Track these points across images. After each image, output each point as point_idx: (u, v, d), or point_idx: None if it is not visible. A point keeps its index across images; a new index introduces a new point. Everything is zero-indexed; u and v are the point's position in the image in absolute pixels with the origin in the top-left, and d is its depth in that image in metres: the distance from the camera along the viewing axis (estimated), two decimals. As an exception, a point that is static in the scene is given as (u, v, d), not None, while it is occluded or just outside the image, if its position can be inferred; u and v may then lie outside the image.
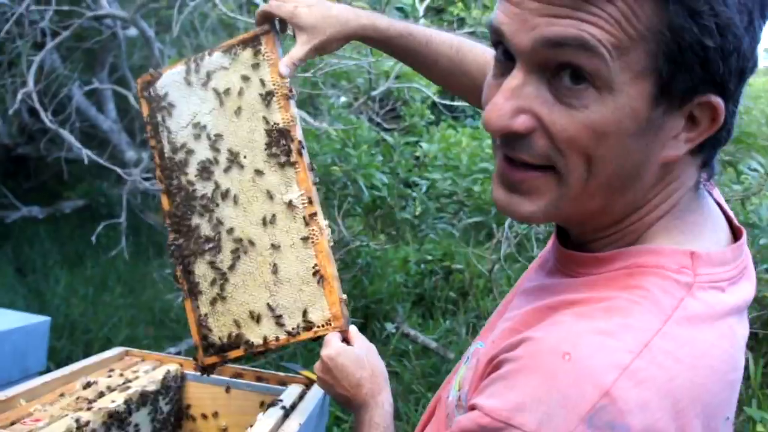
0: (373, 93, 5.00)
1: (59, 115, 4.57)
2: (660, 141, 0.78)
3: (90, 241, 4.17)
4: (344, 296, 1.39)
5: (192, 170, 1.49)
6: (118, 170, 3.74)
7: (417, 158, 4.89)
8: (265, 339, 1.42)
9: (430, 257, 4.80)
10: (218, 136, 1.45)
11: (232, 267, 1.44)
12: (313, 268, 1.37)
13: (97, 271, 5.76)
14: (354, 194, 3.99)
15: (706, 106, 0.76)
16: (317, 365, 1.33)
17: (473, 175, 4.60)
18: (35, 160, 7.10)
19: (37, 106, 3.37)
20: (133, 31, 4.96)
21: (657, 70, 0.73)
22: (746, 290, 0.87)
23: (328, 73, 5.14)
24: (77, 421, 1.38)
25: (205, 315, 1.47)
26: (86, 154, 3.40)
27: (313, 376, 1.79)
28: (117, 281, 5.58)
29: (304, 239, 1.38)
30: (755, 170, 2.98)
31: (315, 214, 1.38)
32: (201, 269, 1.48)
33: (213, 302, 1.46)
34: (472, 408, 0.78)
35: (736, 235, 0.91)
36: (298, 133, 1.40)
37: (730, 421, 0.82)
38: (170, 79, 1.51)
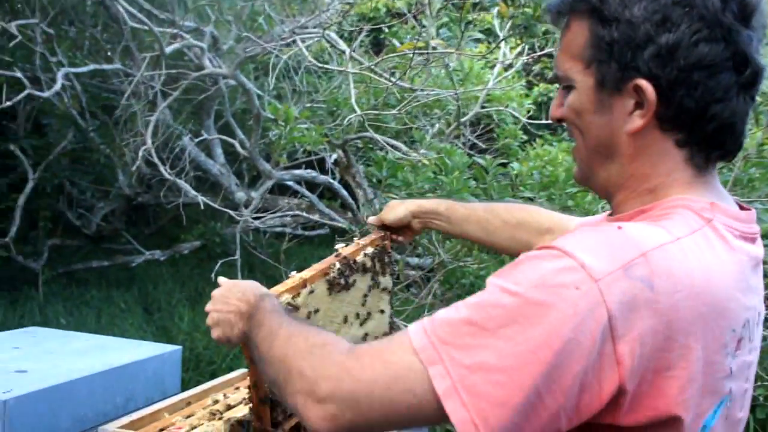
0: (463, 119, 5.19)
1: (174, 165, 4.96)
2: (619, 118, 1.06)
3: (209, 278, 4.47)
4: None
5: None
6: (230, 212, 4.05)
7: (511, 179, 5.01)
8: None
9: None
10: None
11: None
12: None
13: (217, 307, 6.10)
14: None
15: (640, 89, 1.02)
16: (208, 307, 1.36)
17: (569, 190, 4.67)
18: (153, 207, 7.61)
19: (156, 160, 3.71)
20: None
21: (593, 67, 1.05)
22: (757, 251, 1.09)
23: (420, 104, 5.37)
24: (213, 429, 1.62)
25: None
26: (201, 200, 3.72)
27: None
28: (235, 315, 5.90)
29: None
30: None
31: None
32: None
33: None
34: None
35: None
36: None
37: (735, 333, 1.00)
38: None
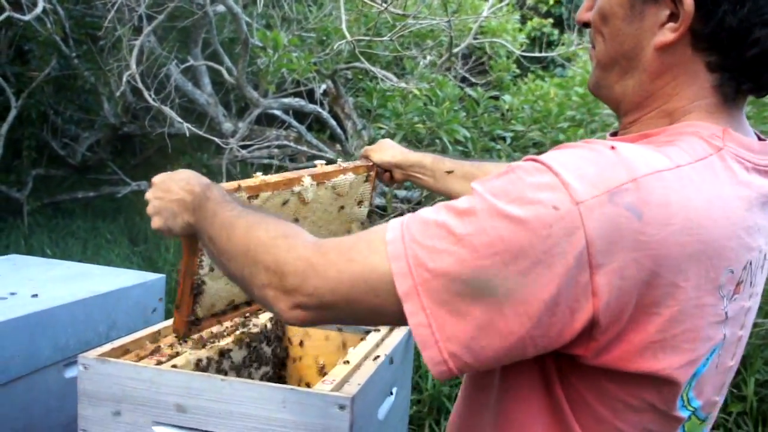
0: (455, 50, 5.08)
1: (160, 94, 4.86)
2: (649, 29, 0.96)
3: (195, 209, 4.41)
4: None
5: None
6: (216, 140, 3.97)
7: (502, 112, 4.94)
8: None
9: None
10: None
11: None
12: None
13: (204, 238, 6.08)
14: (440, 150, 4.11)
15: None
16: (148, 195, 1.31)
17: (560, 124, 4.62)
18: (139, 137, 7.51)
19: (141, 86, 3.61)
20: (222, 7, 5.19)
21: None
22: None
23: (412, 32, 5.25)
24: (195, 356, 1.59)
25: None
26: (187, 127, 3.63)
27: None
28: (223, 246, 5.88)
29: None
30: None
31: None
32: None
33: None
34: None
35: None
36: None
37: (734, 275, 0.90)
38: None
